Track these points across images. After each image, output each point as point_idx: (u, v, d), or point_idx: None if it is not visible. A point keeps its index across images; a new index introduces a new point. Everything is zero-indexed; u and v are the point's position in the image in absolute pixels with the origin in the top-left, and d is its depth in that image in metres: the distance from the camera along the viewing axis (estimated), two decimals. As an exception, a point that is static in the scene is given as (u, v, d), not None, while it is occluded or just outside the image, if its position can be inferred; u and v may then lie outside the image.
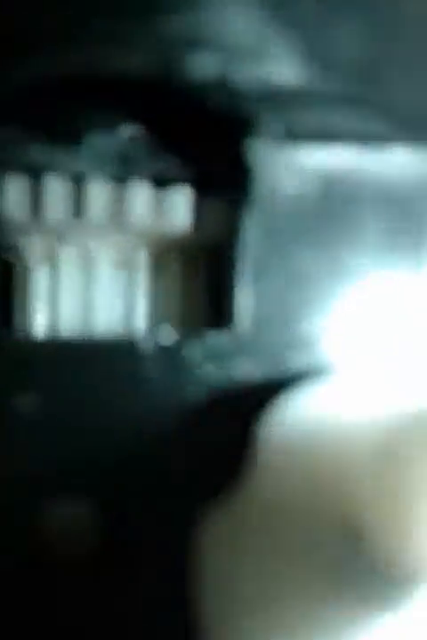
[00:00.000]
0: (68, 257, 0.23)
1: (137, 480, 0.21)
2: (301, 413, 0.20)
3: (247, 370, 0.22)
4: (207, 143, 0.22)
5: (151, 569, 0.21)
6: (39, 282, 0.23)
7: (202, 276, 0.23)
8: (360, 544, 0.18)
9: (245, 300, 0.22)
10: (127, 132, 0.23)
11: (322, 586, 0.19)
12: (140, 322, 0.23)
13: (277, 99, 0.21)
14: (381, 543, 0.18)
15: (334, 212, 0.22)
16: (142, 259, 0.23)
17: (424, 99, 0.22)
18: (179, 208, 0.23)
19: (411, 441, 0.18)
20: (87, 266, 0.23)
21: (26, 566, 0.21)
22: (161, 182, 0.23)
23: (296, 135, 0.22)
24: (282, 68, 0.21)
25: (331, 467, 0.19)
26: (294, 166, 0.22)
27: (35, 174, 0.22)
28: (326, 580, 0.19)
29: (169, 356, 0.22)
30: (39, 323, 0.23)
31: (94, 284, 0.23)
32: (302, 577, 0.19)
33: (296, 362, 0.22)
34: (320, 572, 0.19)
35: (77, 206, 0.22)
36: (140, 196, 0.23)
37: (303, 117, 0.22)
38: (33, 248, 0.23)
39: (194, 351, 0.22)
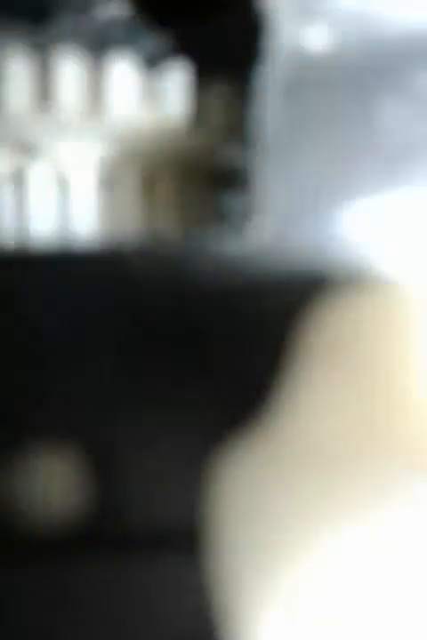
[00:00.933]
0: (39, 165, 0.17)
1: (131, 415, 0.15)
2: (343, 317, 0.15)
3: (273, 271, 0.16)
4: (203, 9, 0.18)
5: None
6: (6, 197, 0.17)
7: (203, 173, 0.18)
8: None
9: (266, 193, 0.17)
10: (106, 10, 0.18)
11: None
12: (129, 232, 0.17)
13: None
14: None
15: (380, 71, 0.17)
16: (129, 162, 0.18)
17: None
18: (173, 92, 0.18)
19: None
20: (60, 177, 0.17)
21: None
22: (149, 63, 0.18)
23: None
24: None
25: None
26: (323, 11, 0.17)
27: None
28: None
29: (178, 262, 0.16)
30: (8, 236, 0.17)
31: (71, 196, 0.17)
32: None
33: (328, 262, 0.16)
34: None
35: (44, 91, 0.17)
36: (123, 78, 0.18)
37: None
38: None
39: (205, 255, 0.16)
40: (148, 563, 0.15)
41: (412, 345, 0.14)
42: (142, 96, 0.18)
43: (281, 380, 0.15)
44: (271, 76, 0.17)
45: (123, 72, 0.18)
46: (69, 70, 0.18)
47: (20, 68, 0.17)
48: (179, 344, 0.16)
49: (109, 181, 0.18)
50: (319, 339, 0.15)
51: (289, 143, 0.17)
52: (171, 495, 0.15)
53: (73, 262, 0.16)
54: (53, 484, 0.15)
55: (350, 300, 0.15)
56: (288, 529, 0.14)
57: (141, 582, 0.15)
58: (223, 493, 0.14)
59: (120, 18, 0.18)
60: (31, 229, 0.17)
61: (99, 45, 0.18)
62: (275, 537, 0.14)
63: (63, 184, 0.18)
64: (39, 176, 0.17)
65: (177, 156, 0.18)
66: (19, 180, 0.17)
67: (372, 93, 0.17)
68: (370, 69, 0.17)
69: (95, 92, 0.18)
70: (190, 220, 0.17)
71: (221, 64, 0.18)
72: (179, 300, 0.16)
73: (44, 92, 0.17)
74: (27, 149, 0.17)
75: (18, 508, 0.15)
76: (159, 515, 0.15)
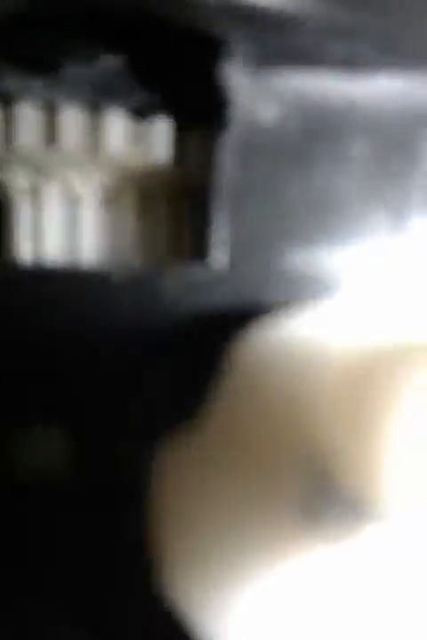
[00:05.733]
0: (50, 189, 0.22)
1: (108, 405, 0.21)
2: (269, 343, 0.20)
3: (222, 301, 0.21)
4: (184, 72, 0.22)
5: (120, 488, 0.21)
6: (23, 213, 0.22)
7: (182, 208, 0.22)
8: (322, 474, 0.17)
9: (221, 233, 0.21)
10: (106, 62, 0.22)
11: (282, 513, 0.18)
12: (120, 254, 0.22)
13: (251, 20, 0.20)
14: (341, 473, 0.17)
15: (317, 141, 0.21)
16: (123, 192, 0.22)
17: (413, 24, 0.21)
18: (158, 139, 0.22)
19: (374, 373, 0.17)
20: (69, 198, 0.22)
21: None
22: (139, 114, 0.22)
23: (273, 59, 0.21)
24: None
25: (293, 397, 0.18)
26: (272, 93, 0.21)
27: (8, 103, 0.22)
28: (288, 508, 0.18)
29: (143, 286, 0.21)
30: (25, 252, 0.22)
31: (77, 216, 0.22)
32: (262, 504, 0.18)
33: (272, 294, 0.21)
34: (280, 500, 0.18)
35: (50, 134, 0.22)
36: (117, 126, 0.22)
37: (280, 40, 0.21)
38: (14, 179, 0.22)
39: (168, 283, 0.21)
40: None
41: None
42: (133, 139, 0.22)
43: (216, 391, 0.20)
44: (229, 141, 0.21)
45: (117, 119, 0.22)
46: (73, 115, 0.22)
47: (31, 112, 0.22)
48: (145, 351, 0.21)
49: (107, 204, 0.23)
50: (247, 361, 0.20)
51: (243, 193, 0.21)
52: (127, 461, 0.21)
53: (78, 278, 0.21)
54: (45, 448, 0.21)
55: (276, 331, 0.20)
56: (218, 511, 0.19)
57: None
58: (167, 470, 0.20)
59: (117, 71, 0.22)
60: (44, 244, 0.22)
61: (98, 93, 0.22)
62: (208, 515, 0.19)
63: (71, 204, 0.22)
64: (51, 195, 0.22)
65: (161, 188, 0.22)
66: (34, 197, 0.22)
67: (313, 159, 0.21)
68: (310, 138, 0.21)
69: (95, 135, 0.22)
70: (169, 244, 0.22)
71: (200, 115, 0.22)
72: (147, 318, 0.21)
73: (52, 132, 0.22)
74: (38, 170, 0.22)
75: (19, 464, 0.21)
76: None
